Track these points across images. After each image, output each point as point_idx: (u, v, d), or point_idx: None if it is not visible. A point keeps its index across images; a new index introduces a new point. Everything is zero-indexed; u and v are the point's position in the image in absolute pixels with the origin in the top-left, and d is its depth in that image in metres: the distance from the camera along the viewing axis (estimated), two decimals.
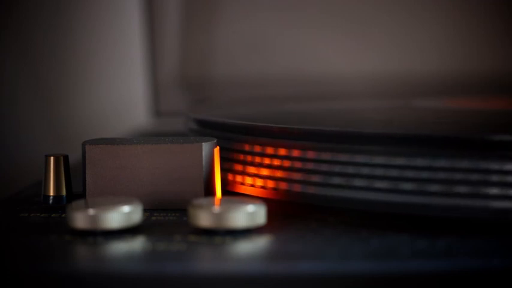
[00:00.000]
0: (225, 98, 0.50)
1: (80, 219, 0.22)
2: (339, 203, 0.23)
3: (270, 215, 0.23)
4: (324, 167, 0.23)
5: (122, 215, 0.22)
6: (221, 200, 0.23)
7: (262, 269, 0.19)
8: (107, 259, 0.20)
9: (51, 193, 0.25)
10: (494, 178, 0.21)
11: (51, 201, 0.25)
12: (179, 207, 0.25)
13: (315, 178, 0.24)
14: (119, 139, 0.26)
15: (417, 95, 0.43)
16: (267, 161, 0.25)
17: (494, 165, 0.21)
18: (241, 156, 0.26)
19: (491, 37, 0.53)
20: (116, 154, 0.25)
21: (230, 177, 0.26)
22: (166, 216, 0.24)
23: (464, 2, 0.53)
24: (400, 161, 0.22)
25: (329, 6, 0.53)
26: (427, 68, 0.53)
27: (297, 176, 0.24)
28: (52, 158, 0.25)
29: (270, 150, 0.25)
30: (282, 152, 0.24)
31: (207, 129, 0.29)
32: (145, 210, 0.25)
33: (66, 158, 0.26)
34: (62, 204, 0.25)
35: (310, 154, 0.24)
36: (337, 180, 0.23)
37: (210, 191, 0.25)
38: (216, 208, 0.22)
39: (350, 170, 0.23)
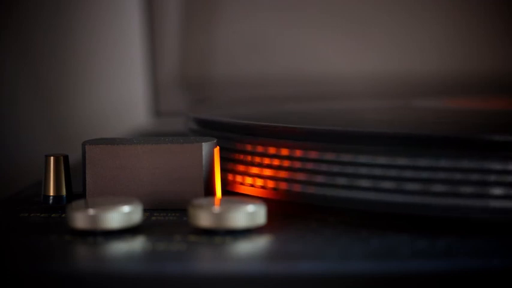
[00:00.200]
0: (225, 98, 0.50)
1: (80, 219, 0.22)
2: (338, 203, 0.23)
3: (270, 215, 0.23)
4: (324, 167, 0.23)
5: (121, 215, 0.22)
6: (221, 200, 0.23)
7: (262, 269, 0.19)
8: (107, 259, 0.20)
9: (51, 193, 0.25)
10: (495, 178, 0.21)
11: (51, 201, 0.25)
12: (179, 207, 0.25)
13: (315, 178, 0.24)
14: (119, 139, 0.26)
15: (417, 95, 0.43)
16: (267, 161, 0.25)
17: (495, 165, 0.21)
18: (241, 156, 0.26)
19: (491, 37, 0.53)
20: (116, 154, 0.25)
21: (230, 177, 0.26)
22: (166, 216, 0.24)
23: (464, 2, 0.53)
24: (400, 161, 0.22)
25: (329, 6, 0.53)
26: (427, 68, 0.53)
27: (297, 176, 0.24)
28: (52, 158, 0.25)
29: (269, 150, 0.25)
30: (282, 152, 0.24)
31: (207, 129, 0.29)
32: (145, 210, 0.25)
33: (66, 158, 0.26)
34: (62, 204, 0.25)
35: (310, 154, 0.24)
36: (337, 181, 0.23)
37: (210, 191, 0.25)
38: (216, 208, 0.22)
39: (350, 170, 0.23)
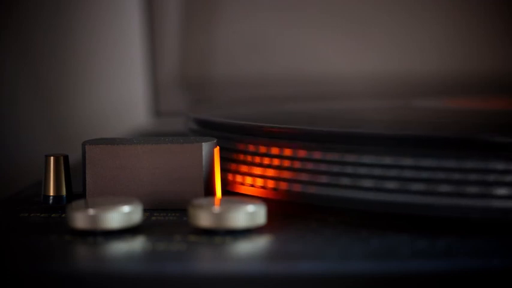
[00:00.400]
0: (225, 98, 0.50)
1: (80, 219, 0.22)
2: (339, 203, 0.23)
3: (270, 215, 0.23)
4: (324, 167, 0.23)
5: (122, 215, 0.22)
6: (221, 200, 0.23)
7: (262, 269, 0.19)
8: (107, 259, 0.20)
9: (51, 193, 0.25)
10: (495, 178, 0.21)
11: (51, 201, 0.25)
12: (179, 207, 0.25)
13: (315, 178, 0.24)
14: (119, 139, 0.26)
15: (417, 95, 0.43)
16: (266, 161, 0.25)
17: (495, 166, 0.21)
18: (241, 156, 0.26)
19: (491, 37, 0.53)
20: (116, 154, 0.25)
21: (230, 177, 0.26)
22: (166, 216, 0.24)
23: (464, 2, 0.53)
24: (399, 161, 0.22)
25: (329, 6, 0.53)
26: (427, 68, 0.53)
27: (297, 176, 0.24)
28: (52, 158, 0.25)
29: (269, 150, 0.25)
30: (282, 152, 0.24)
31: (207, 129, 0.29)
32: (145, 210, 0.25)
33: (66, 158, 0.26)
34: (62, 204, 0.25)
35: (310, 154, 0.24)
36: (337, 180, 0.23)
37: (210, 191, 0.25)
38: (216, 208, 0.22)
39: (350, 170, 0.23)
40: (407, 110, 0.35)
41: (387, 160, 0.22)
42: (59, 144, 0.56)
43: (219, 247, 0.21)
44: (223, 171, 0.26)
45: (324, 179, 0.23)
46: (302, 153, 0.24)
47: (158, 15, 0.53)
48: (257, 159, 0.25)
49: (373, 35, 0.53)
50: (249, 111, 0.34)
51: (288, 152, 0.24)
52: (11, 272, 0.19)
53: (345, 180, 0.23)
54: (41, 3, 0.56)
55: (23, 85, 0.57)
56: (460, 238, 0.21)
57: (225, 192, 0.26)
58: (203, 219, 0.22)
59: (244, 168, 0.26)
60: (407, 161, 0.22)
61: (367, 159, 0.23)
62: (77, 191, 0.26)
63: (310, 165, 0.24)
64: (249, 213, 0.22)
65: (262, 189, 0.25)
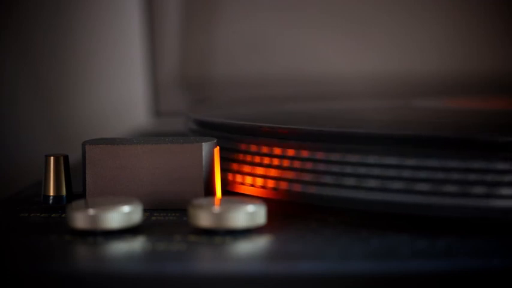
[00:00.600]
0: (225, 98, 0.50)
1: (80, 219, 0.22)
2: (338, 203, 0.23)
3: (270, 215, 0.23)
4: (324, 167, 0.23)
5: (122, 215, 0.22)
6: (221, 200, 0.23)
7: (262, 269, 0.19)
8: (107, 259, 0.20)
9: (51, 193, 0.25)
10: (495, 178, 0.21)
11: (51, 201, 0.25)
12: (179, 207, 0.25)
13: (315, 178, 0.24)
14: (119, 139, 0.26)
15: (417, 95, 0.43)
16: (267, 161, 0.25)
17: (495, 165, 0.21)
18: (241, 156, 0.26)
19: (491, 37, 0.53)
20: (116, 154, 0.25)
21: (230, 177, 0.26)
22: (166, 216, 0.24)
23: (464, 2, 0.53)
24: (399, 161, 0.22)
25: (329, 6, 0.53)
26: (427, 68, 0.53)
27: (297, 175, 0.24)
28: (52, 158, 0.25)
29: (269, 150, 0.25)
30: (282, 152, 0.24)
31: (207, 129, 0.29)
32: (145, 210, 0.25)
33: (66, 158, 0.26)
34: (62, 204, 0.25)
35: (310, 154, 0.24)
36: (337, 180, 0.23)
37: (210, 191, 0.25)
38: (216, 208, 0.22)
39: (350, 170, 0.23)
40: (407, 110, 0.35)
41: (387, 160, 0.22)
42: (59, 144, 0.56)
43: (219, 247, 0.21)
44: (223, 171, 0.26)
45: (324, 179, 0.23)
46: (302, 153, 0.24)
47: (158, 15, 0.53)
48: (257, 159, 0.25)
49: (373, 35, 0.53)
50: (249, 111, 0.34)
51: (287, 152, 0.24)
52: (11, 272, 0.19)
53: (344, 180, 0.23)
54: (40, 4, 0.56)
55: (23, 85, 0.57)
56: (460, 238, 0.21)
57: (225, 192, 0.26)
58: (203, 219, 0.22)
59: (244, 168, 0.26)
60: (407, 161, 0.22)
61: (367, 159, 0.23)
62: (77, 191, 0.26)
63: (310, 165, 0.24)
64: (249, 213, 0.22)
65: (262, 189, 0.25)
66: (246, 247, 0.21)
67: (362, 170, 0.23)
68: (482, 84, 0.52)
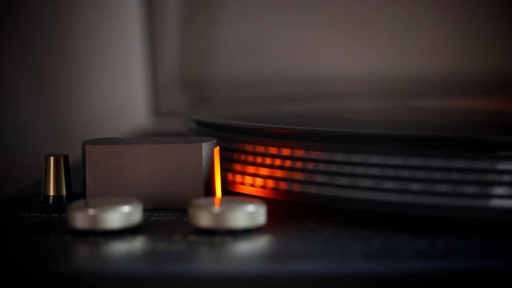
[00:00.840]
0: (225, 98, 0.50)
1: (80, 219, 0.22)
2: (338, 203, 0.23)
3: (270, 215, 0.23)
4: (324, 167, 0.23)
5: (122, 215, 0.22)
6: (221, 200, 0.23)
7: (262, 269, 0.19)
8: (107, 259, 0.20)
9: (51, 193, 0.25)
10: (495, 178, 0.21)
11: (51, 201, 0.25)
12: (179, 207, 0.25)
13: (315, 178, 0.24)
14: (119, 139, 0.26)
15: (417, 95, 0.43)
16: (267, 161, 0.25)
17: (494, 165, 0.21)
18: (241, 156, 0.26)
19: (491, 37, 0.53)
20: (116, 154, 0.25)
21: (230, 177, 0.26)
22: (166, 216, 0.24)
23: (464, 2, 0.53)
24: (398, 161, 0.22)
25: (329, 6, 0.53)
26: (427, 68, 0.53)
27: (297, 176, 0.24)
28: (52, 158, 0.25)
29: (269, 150, 0.25)
30: (282, 152, 0.24)
31: (207, 129, 0.29)
32: (145, 210, 0.25)
33: (66, 158, 0.26)
34: (62, 204, 0.25)
35: (310, 154, 0.24)
36: (337, 181, 0.23)
37: (210, 191, 0.25)
38: (216, 208, 0.22)
39: (349, 170, 0.23)
40: (407, 110, 0.35)
41: (386, 160, 0.22)
42: (59, 144, 0.56)
43: (219, 247, 0.21)
44: (223, 171, 0.26)
45: (324, 179, 0.23)
46: (302, 153, 0.24)
47: (158, 15, 0.53)
48: (257, 159, 0.25)
49: (373, 35, 0.53)
50: (249, 111, 0.34)
51: (287, 152, 0.24)
52: (11, 272, 0.19)
53: (344, 180, 0.23)
54: (41, 4, 0.56)
55: (24, 85, 0.57)
56: (460, 238, 0.21)
57: (225, 192, 0.26)
58: (203, 219, 0.22)
59: (244, 168, 0.26)
60: (406, 161, 0.22)
61: (366, 159, 0.23)
62: (77, 191, 0.26)
63: (310, 165, 0.24)
64: (249, 213, 0.22)
65: (262, 189, 0.25)
66: (246, 247, 0.21)
67: (361, 170, 0.23)
68: (482, 84, 0.52)
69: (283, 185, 0.24)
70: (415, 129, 0.25)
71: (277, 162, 0.25)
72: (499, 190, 0.21)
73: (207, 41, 0.53)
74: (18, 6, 0.56)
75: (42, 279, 0.19)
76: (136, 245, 0.21)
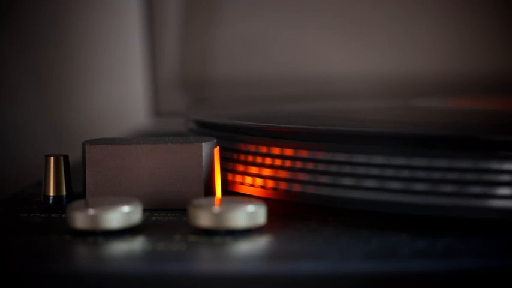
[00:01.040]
0: (225, 98, 0.50)
1: (80, 219, 0.22)
2: (338, 203, 0.23)
3: (270, 215, 0.23)
4: (324, 167, 0.23)
5: (122, 215, 0.22)
6: (221, 200, 0.23)
7: (262, 269, 0.19)
8: (107, 259, 0.20)
9: (51, 193, 0.25)
10: (495, 178, 0.21)
11: (51, 201, 0.25)
12: (179, 207, 0.25)
13: (315, 178, 0.24)
14: (119, 139, 0.26)
15: (417, 95, 0.43)
16: (267, 161, 0.25)
17: (494, 165, 0.21)
18: (241, 156, 0.26)
19: (491, 37, 0.53)
20: (116, 154, 0.25)
21: (230, 177, 0.26)
22: (166, 216, 0.24)
23: (464, 2, 0.53)
24: (398, 161, 0.22)
25: (329, 6, 0.53)
26: (427, 68, 0.53)
27: (297, 176, 0.24)
28: (52, 158, 0.25)
29: (269, 150, 0.25)
30: (282, 152, 0.24)
31: (207, 129, 0.29)
32: (145, 210, 0.25)
33: (66, 158, 0.26)
34: (62, 204, 0.25)
35: (310, 154, 0.24)
36: (337, 181, 0.23)
37: (210, 191, 0.25)
38: (216, 208, 0.22)
39: (349, 170, 0.23)
40: (407, 110, 0.35)
41: (386, 160, 0.22)
42: (59, 144, 0.56)
43: (219, 247, 0.21)
44: (223, 171, 0.26)
45: (324, 179, 0.23)
46: (302, 153, 0.24)
47: (158, 15, 0.53)
48: (257, 159, 0.25)
49: (373, 35, 0.53)
50: (249, 111, 0.34)
51: (287, 151, 0.24)
52: (11, 272, 0.19)
53: (344, 180, 0.23)
54: (42, 5, 0.56)
55: (24, 85, 0.57)
56: (460, 238, 0.21)
57: (225, 192, 0.26)
58: (203, 219, 0.22)
59: (244, 168, 0.26)
60: (407, 161, 0.22)
61: (366, 159, 0.23)
62: (77, 191, 0.26)
63: (310, 165, 0.24)
64: (249, 213, 0.22)
65: (262, 189, 0.25)
66: (246, 247, 0.21)
67: (361, 170, 0.23)
68: (482, 84, 0.52)
69: (283, 185, 0.24)
70: (415, 129, 0.25)
71: (277, 162, 0.25)
72: (500, 190, 0.21)
73: (207, 41, 0.53)
74: (18, 6, 0.56)
75: (42, 279, 0.19)
76: (136, 245, 0.21)
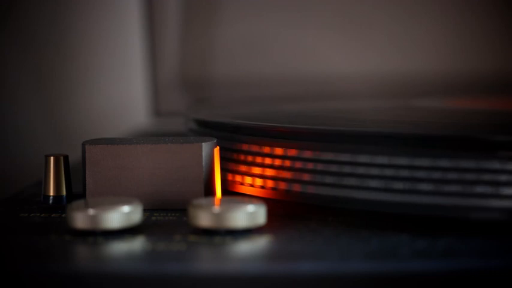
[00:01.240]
0: (225, 98, 0.50)
1: (80, 219, 0.22)
2: (338, 203, 0.23)
3: (270, 215, 0.23)
4: (324, 167, 0.23)
5: (122, 215, 0.22)
6: (221, 200, 0.23)
7: (262, 269, 0.19)
8: (107, 259, 0.20)
9: (51, 193, 0.25)
10: (495, 178, 0.21)
11: (51, 201, 0.25)
12: (179, 207, 0.25)
13: (315, 178, 0.24)
14: (119, 139, 0.26)
15: (417, 95, 0.43)
16: (267, 161, 0.25)
17: (494, 165, 0.21)
18: (241, 156, 0.26)
19: (491, 37, 0.53)
20: (116, 154, 0.25)
21: (230, 177, 0.26)
22: (166, 216, 0.24)
23: (464, 2, 0.53)
24: (398, 161, 0.22)
25: (329, 6, 0.53)
26: (427, 68, 0.53)
27: (297, 176, 0.24)
28: (52, 158, 0.25)
29: (269, 150, 0.25)
30: (282, 152, 0.24)
31: (207, 129, 0.29)
32: (145, 210, 0.25)
33: (66, 158, 0.26)
34: (62, 204, 0.25)
35: (310, 154, 0.24)
36: (336, 181, 0.23)
37: (210, 191, 0.25)
38: (216, 208, 0.22)
39: (348, 169, 0.23)
40: (407, 110, 0.35)
41: (387, 160, 0.22)
42: (59, 144, 0.56)
43: (219, 247, 0.21)
44: (223, 171, 0.26)
45: (324, 179, 0.23)
46: (302, 153, 0.24)
47: (158, 15, 0.53)
48: (257, 159, 0.25)
49: (373, 35, 0.53)
50: (249, 111, 0.34)
51: (287, 151, 0.24)
52: (11, 272, 0.19)
53: (344, 180, 0.23)
54: (41, 5, 0.56)
55: (24, 85, 0.57)
56: (460, 238, 0.21)
57: (225, 192, 0.26)
58: (203, 219, 0.22)
59: (244, 168, 0.26)
60: (407, 161, 0.22)
61: (367, 159, 0.23)
62: (77, 191, 0.26)
63: (310, 165, 0.24)
64: (249, 213, 0.22)
65: (262, 189, 0.25)
66: (246, 247, 0.21)
67: (362, 170, 0.23)
68: (483, 84, 0.52)
69: (283, 185, 0.24)
70: (415, 129, 0.25)
71: (277, 162, 0.25)
72: (500, 190, 0.21)
73: (207, 41, 0.53)
74: (18, 6, 0.56)
75: (42, 279, 0.19)
76: (136, 245, 0.21)
